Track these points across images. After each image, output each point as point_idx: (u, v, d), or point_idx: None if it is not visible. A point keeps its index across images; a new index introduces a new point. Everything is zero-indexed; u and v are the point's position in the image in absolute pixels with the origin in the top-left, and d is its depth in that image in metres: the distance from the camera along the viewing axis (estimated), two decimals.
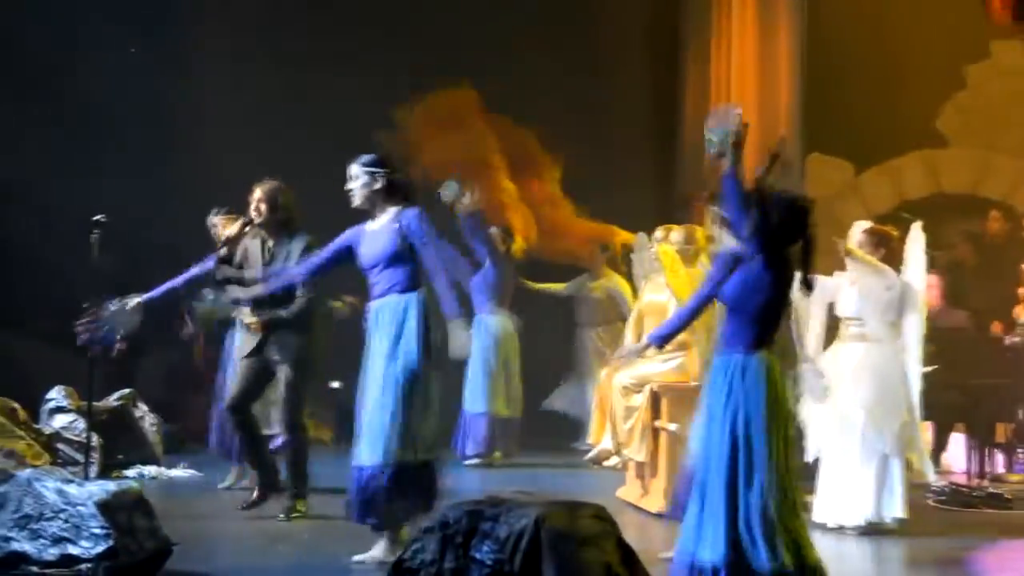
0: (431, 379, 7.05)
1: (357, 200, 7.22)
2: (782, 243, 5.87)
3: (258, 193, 8.41)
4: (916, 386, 8.52)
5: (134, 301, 8.24)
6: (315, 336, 8.50)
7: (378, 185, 7.16)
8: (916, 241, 8.58)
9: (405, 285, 7.06)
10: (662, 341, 6.59)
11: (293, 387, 8.42)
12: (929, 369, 8.79)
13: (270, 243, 8.41)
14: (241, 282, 8.40)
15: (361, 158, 7.22)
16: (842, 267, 8.56)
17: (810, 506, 8.02)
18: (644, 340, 6.56)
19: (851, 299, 8.48)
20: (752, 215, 5.84)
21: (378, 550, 7.13)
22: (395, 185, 7.19)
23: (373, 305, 7.13)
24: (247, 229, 8.36)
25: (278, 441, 9.08)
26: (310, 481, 8.65)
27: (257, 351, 8.47)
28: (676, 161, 14.28)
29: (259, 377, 8.51)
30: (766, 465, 5.75)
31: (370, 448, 6.94)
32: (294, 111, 12.82)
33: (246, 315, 8.49)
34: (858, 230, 8.63)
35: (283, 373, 8.42)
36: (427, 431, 7.06)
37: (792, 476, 5.89)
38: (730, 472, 5.78)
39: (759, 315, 5.84)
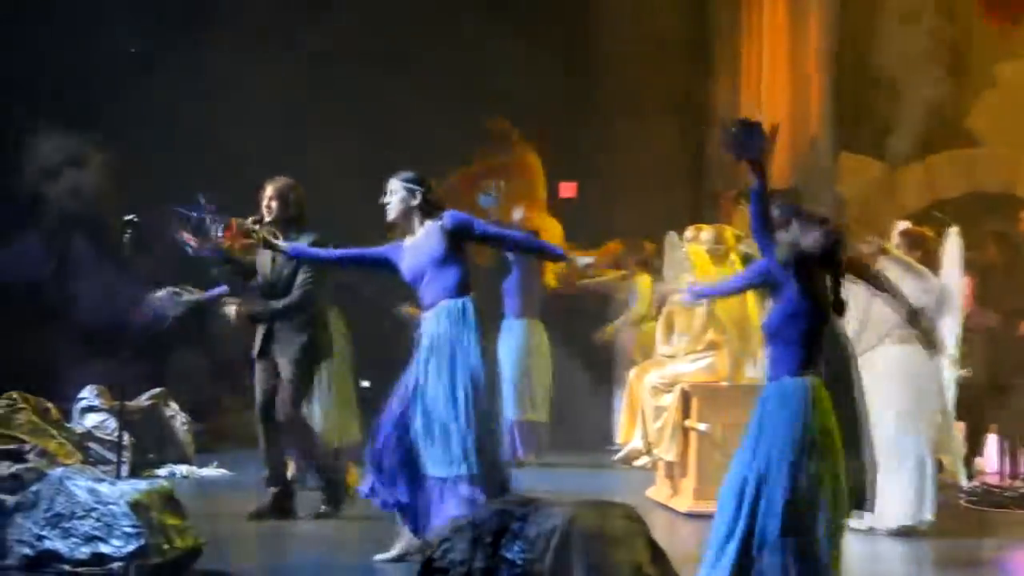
0: (493, 382, 7.07)
1: (393, 214, 7.25)
2: (815, 269, 5.82)
3: (269, 190, 8.46)
4: (951, 388, 8.48)
5: (186, 297, 8.34)
6: (318, 333, 8.50)
7: (415, 201, 7.20)
8: (954, 245, 8.55)
9: (456, 290, 7.06)
10: (696, 296, 7.18)
11: (291, 384, 8.42)
12: (965, 372, 8.76)
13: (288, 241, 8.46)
14: (242, 269, 8.49)
15: (401, 174, 7.27)
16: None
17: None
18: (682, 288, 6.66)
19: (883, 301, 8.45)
20: (783, 244, 5.79)
21: (399, 548, 7.16)
22: (431, 202, 7.22)
23: (427, 314, 7.12)
24: (257, 226, 8.38)
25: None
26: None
27: (264, 353, 8.51)
28: (706, 161, 14.25)
29: (276, 379, 8.54)
30: (789, 491, 5.67)
31: (444, 460, 6.92)
32: (320, 112, 12.85)
33: (229, 301, 8.46)
34: (898, 231, 8.60)
35: (284, 370, 8.45)
36: (497, 435, 7.08)
37: (830, 500, 5.78)
38: (754, 499, 5.71)
39: (800, 341, 5.77)
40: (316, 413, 9.57)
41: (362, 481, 7.38)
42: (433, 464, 6.92)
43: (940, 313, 8.38)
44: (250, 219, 8.36)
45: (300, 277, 8.38)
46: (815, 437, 5.71)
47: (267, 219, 8.39)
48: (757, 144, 5.80)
